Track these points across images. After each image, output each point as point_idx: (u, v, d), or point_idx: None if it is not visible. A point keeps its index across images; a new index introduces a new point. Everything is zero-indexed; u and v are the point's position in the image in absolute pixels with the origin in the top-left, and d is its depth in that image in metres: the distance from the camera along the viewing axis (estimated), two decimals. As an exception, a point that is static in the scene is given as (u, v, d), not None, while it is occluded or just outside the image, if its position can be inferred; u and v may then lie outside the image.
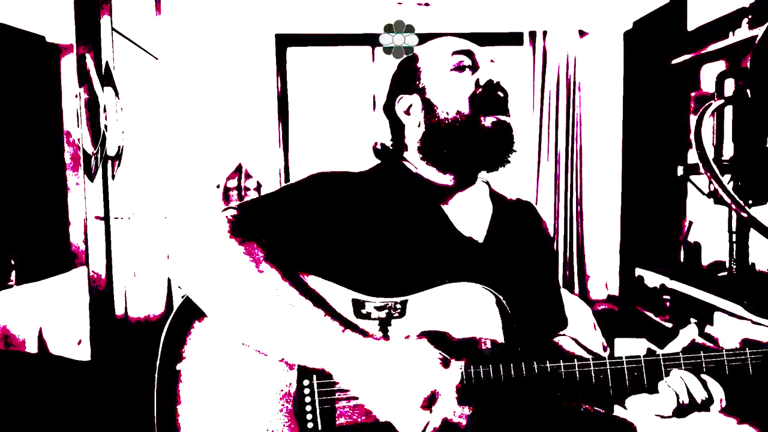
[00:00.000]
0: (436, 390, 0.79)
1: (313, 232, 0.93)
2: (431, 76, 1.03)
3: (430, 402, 0.78)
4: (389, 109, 1.09)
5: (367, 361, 0.80)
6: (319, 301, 0.85)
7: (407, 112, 1.05)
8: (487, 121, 0.98)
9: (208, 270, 0.85)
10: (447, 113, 0.99)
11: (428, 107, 1.02)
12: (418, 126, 1.04)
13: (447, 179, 1.04)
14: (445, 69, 1.02)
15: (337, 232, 0.94)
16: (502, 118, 0.98)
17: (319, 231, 0.93)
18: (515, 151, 1.00)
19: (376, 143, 1.12)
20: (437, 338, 0.88)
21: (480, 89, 0.99)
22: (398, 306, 0.89)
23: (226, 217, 0.89)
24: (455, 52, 1.02)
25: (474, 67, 1.01)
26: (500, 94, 0.99)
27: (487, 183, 1.12)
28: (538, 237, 1.13)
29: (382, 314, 0.89)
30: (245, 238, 0.86)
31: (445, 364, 0.81)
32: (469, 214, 1.04)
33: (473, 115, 0.98)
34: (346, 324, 0.83)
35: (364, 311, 0.89)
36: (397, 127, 1.09)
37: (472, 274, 0.92)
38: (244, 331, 0.85)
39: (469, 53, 1.02)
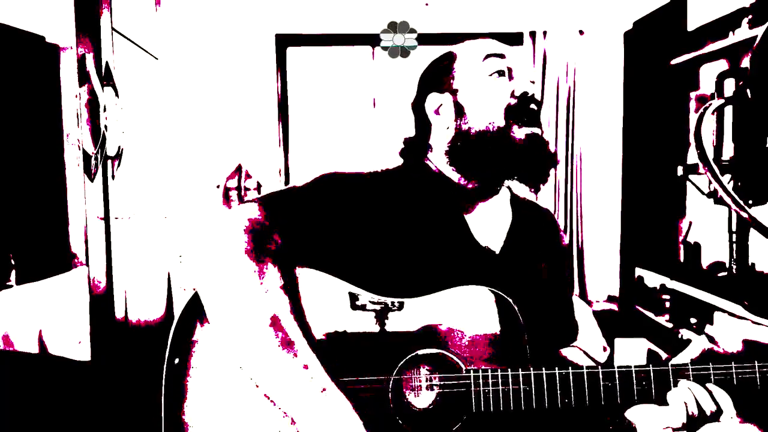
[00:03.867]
0: None
1: (332, 232, 0.92)
2: (466, 80, 1.00)
3: None
4: (417, 106, 1.06)
5: None
6: (313, 342, 0.83)
7: (437, 112, 1.03)
8: (520, 133, 0.95)
9: (219, 285, 0.83)
10: (479, 122, 0.97)
11: (459, 111, 0.99)
12: (447, 128, 1.01)
13: (471, 185, 1.01)
14: (482, 74, 0.99)
15: (355, 233, 0.93)
16: (535, 130, 0.97)
17: (339, 231, 0.92)
18: (557, 162, 0.98)
19: (408, 144, 1.09)
20: (445, 335, 0.88)
21: (515, 100, 0.97)
22: (395, 303, 0.89)
23: (247, 222, 0.85)
24: (489, 56, 1.00)
25: (509, 75, 0.99)
26: (534, 106, 0.97)
27: (509, 188, 1.10)
28: (554, 248, 1.11)
29: (377, 307, 0.89)
30: (262, 254, 0.84)
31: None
32: (489, 223, 1.03)
33: (506, 127, 0.96)
34: (331, 379, 0.81)
35: (358, 303, 0.89)
36: (423, 125, 1.06)
37: (487, 283, 0.91)
38: (236, 355, 0.84)
39: (502, 56, 1.00)
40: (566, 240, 1.17)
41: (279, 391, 0.80)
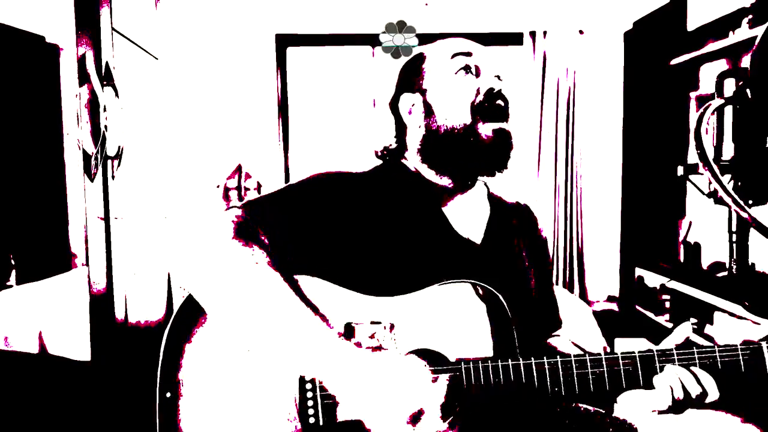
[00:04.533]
0: (423, 408, 0.78)
1: (314, 232, 0.93)
2: (434, 79, 1.02)
3: (415, 419, 0.77)
4: (394, 107, 1.09)
5: (359, 374, 0.78)
6: (316, 309, 0.84)
7: (410, 112, 1.05)
8: (487, 129, 0.98)
9: (210, 273, 0.84)
10: (446, 119, 1.00)
11: (428, 110, 1.02)
12: (419, 128, 1.04)
13: (445, 181, 1.04)
14: (448, 73, 1.01)
15: (337, 232, 0.94)
16: (502, 125, 0.99)
17: (321, 231, 0.93)
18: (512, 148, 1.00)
19: (385, 147, 1.12)
20: (432, 356, 0.88)
21: (481, 97, 0.99)
22: (390, 334, 0.89)
23: (233, 217, 0.88)
24: (455, 54, 1.01)
25: (476, 72, 1.01)
26: (501, 102, 0.99)
27: (486, 185, 1.13)
28: (533, 239, 1.14)
29: (374, 344, 0.88)
30: (249, 240, 0.86)
31: (434, 380, 0.81)
32: (468, 216, 1.05)
33: (472, 124, 0.98)
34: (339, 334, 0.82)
35: (353, 340, 0.87)
36: (400, 126, 1.09)
37: (469, 275, 0.92)
38: (243, 336, 0.85)
39: (469, 54, 1.01)
40: (550, 229, 1.20)
41: (295, 352, 0.80)
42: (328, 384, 0.79)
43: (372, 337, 0.88)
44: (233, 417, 0.86)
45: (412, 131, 1.06)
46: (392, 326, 0.89)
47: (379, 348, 0.86)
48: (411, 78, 1.06)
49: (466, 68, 1.01)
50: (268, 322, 0.81)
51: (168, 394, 0.87)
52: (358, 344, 0.82)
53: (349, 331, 0.89)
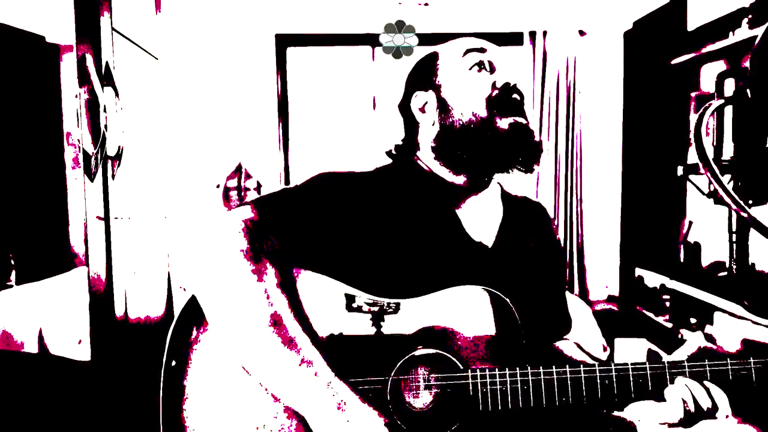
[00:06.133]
0: None
1: (325, 231, 0.92)
2: (448, 75, 1.02)
3: None
4: (404, 107, 1.08)
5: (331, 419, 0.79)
6: (315, 338, 0.84)
7: (422, 110, 1.04)
8: (504, 123, 0.96)
9: (218, 288, 0.84)
10: (462, 114, 0.98)
11: (443, 106, 1.01)
12: (432, 125, 1.03)
13: (460, 179, 1.03)
14: (462, 68, 1.01)
15: (348, 231, 0.93)
16: (519, 119, 0.97)
17: (332, 230, 0.92)
18: (542, 151, 0.98)
19: (396, 146, 1.11)
20: (442, 336, 0.88)
21: (497, 91, 0.98)
22: (392, 305, 0.89)
23: (244, 224, 0.86)
24: (468, 51, 1.01)
25: (490, 68, 1.00)
26: (516, 96, 0.98)
27: (500, 184, 1.11)
28: (546, 241, 1.12)
29: (375, 308, 0.89)
30: (260, 256, 0.85)
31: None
32: (481, 218, 1.04)
33: (489, 117, 0.97)
34: (335, 374, 0.82)
35: (354, 305, 0.89)
36: (411, 125, 1.08)
37: (480, 278, 0.92)
38: (239, 357, 0.84)
39: (482, 51, 1.01)
40: (560, 233, 1.18)
41: (285, 389, 0.81)
42: (308, 420, 0.81)
43: (374, 304, 0.88)
44: (237, 414, 0.86)
45: (425, 129, 1.04)
46: (397, 306, 0.89)
47: (381, 312, 0.87)
48: (424, 76, 1.05)
49: (480, 64, 1.00)
50: (265, 353, 0.81)
51: (171, 397, 0.86)
52: (352, 388, 0.81)
53: (350, 300, 0.89)
